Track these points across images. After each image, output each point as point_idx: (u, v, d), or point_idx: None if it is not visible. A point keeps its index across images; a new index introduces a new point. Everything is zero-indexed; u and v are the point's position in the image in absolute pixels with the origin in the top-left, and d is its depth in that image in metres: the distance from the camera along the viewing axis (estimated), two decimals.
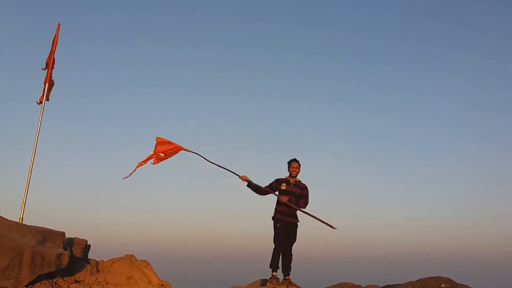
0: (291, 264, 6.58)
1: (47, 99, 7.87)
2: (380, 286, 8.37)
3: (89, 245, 7.90)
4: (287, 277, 6.51)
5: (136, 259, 7.96)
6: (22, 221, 7.20)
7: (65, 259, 6.64)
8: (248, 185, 6.63)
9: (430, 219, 26.28)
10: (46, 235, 6.94)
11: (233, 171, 6.63)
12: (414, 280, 8.20)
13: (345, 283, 8.19)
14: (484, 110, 31.87)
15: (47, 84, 7.90)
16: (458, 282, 8.02)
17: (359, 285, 8.24)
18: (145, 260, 8.02)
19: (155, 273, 7.86)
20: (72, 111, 28.21)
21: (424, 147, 31.26)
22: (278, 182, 6.71)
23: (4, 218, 6.94)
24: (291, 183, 6.70)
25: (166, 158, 7.03)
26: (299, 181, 6.76)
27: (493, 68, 31.62)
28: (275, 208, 6.68)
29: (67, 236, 7.37)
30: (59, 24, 8.07)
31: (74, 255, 7.29)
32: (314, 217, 6.27)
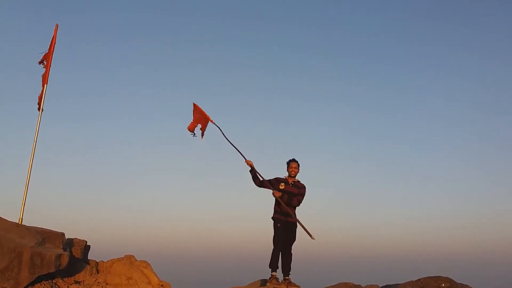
0: (291, 264, 6.58)
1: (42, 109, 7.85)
2: (380, 286, 8.37)
3: (89, 246, 7.89)
4: (287, 277, 6.51)
5: (136, 259, 7.95)
6: (21, 222, 7.19)
7: (65, 260, 6.63)
8: (250, 171, 6.73)
9: (429, 219, 26.34)
10: (46, 236, 6.94)
11: (242, 153, 6.78)
12: (414, 280, 8.21)
13: (345, 283, 8.19)
14: (484, 110, 31.92)
15: (45, 86, 7.90)
16: (458, 281, 8.02)
17: (359, 285, 8.24)
18: (145, 261, 8.02)
19: (155, 273, 7.86)
20: (72, 112, 28.28)
21: (424, 147, 31.35)
22: (278, 180, 6.72)
23: (3, 218, 6.93)
24: (290, 183, 6.71)
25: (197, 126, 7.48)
26: (298, 181, 6.77)
27: (493, 68, 31.66)
28: (274, 208, 6.68)
29: (66, 237, 7.36)
30: (57, 25, 8.07)
31: (74, 256, 7.28)
32: (298, 221, 6.42)
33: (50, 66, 7.99)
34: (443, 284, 7.83)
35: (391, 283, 8.59)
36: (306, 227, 6.30)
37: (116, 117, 31.15)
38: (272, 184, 6.68)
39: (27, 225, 7.13)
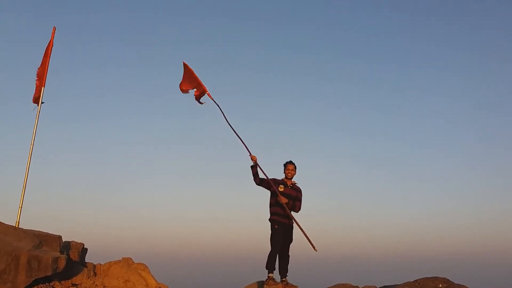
0: (288, 266, 6.59)
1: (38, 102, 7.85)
2: (378, 287, 8.37)
3: (86, 249, 7.88)
4: (284, 279, 6.51)
5: (134, 262, 7.95)
6: (18, 225, 7.17)
7: (62, 263, 6.62)
8: (252, 166, 6.60)
9: (427, 219, 26.40)
10: (43, 239, 6.92)
11: (247, 146, 6.68)
12: (411, 281, 8.21)
13: (343, 284, 8.18)
14: (484, 109, 32.04)
15: (43, 88, 7.89)
16: (455, 282, 8.03)
17: (357, 286, 8.23)
18: (143, 263, 8.02)
19: (152, 276, 7.85)
20: (69, 113, 28.23)
21: (424, 147, 31.40)
22: (276, 182, 6.70)
23: (0, 222, 6.92)
24: (288, 185, 6.71)
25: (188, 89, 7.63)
26: (295, 183, 6.78)
27: (493, 68, 31.80)
28: (272, 210, 6.65)
29: (63, 240, 7.35)
30: (54, 28, 8.07)
31: (71, 259, 7.27)
32: (303, 231, 6.34)
33: (48, 68, 7.98)
34: (441, 285, 7.84)
35: (388, 284, 8.59)
36: (309, 237, 6.27)
37: (114, 118, 31.16)
38: (270, 184, 6.65)
39: (24, 228, 7.11)
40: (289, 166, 6.75)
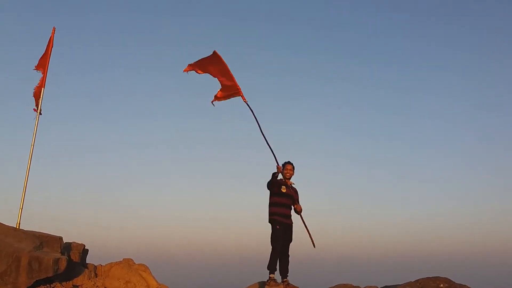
0: (288, 266, 6.59)
1: (40, 113, 7.85)
2: (379, 287, 8.37)
3: (87, 250, 7.88)
4: (285, 279, 6.50)
5: (134, 263, 7.95)
6: (19, 226, 7.18)
7: (63, 264, 6.62)
8: (274, 173, 6.61)
9: (427, 219, 26.35)
10: (44, 240, 6.92)
11: (275, 155, 6.64)
12: (412, 281, 8.21)
13: (344, 284, 8.17)
14: (484, 109, 32.02)
15: (42, 89, 7.89)
16: (456, 282, 8.03)
17: (358, 286, 8.23)
18: (143, 264, 8.02)
19: (153, 277, 7.85)
20: (70, 114, 28.24)
21: (424, 147, 31.39)
22: (278, 183, 6.70)
23: (1, 223, 6.92)
24: (289, 185, 6.71)
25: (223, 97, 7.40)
26: (293, 184, 6.79)
27: (493, 68, 31.79)
28: (272, 210, 6.62)
29: (64, 241, 7.35)
30: (54, 28, 8.08)
31: (72, 260, 7.27)
32: (306, 227, 6.49)
33: (48, 68, 7.99)
34: (442, 285, 7.83)
35: (389, 284, 8.58)
36: (311, 234, 6.38)
37: (114, 119, 31.09)
38: (277, 186, 6.65)
39: (25, 229, 7.12)
40: (288, 166, 6.74)
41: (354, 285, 8.20)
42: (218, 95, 7.45)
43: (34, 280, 6.33)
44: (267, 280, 6.50)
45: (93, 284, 7.15)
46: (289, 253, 6.60)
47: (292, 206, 6.67)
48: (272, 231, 6.57)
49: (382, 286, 8.42)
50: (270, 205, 6.63)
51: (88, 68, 30.67)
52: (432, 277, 8.20)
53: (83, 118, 29.30)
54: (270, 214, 6.61)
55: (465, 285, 8.01)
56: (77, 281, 7.11)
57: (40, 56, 8.11)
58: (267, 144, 6.72)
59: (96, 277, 7.51)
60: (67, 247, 7.46)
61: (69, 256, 7.20)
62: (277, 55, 33.12)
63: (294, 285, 6.48)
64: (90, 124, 29.74)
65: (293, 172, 6.76)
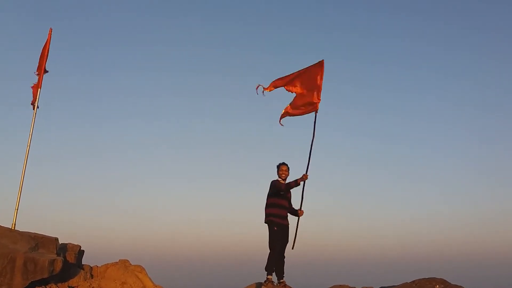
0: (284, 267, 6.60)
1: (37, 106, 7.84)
2: None
3: (83, 251, 7.85)
4: (282, 280, 6.50)
5: (131, 264, 7.93)
6: (14, 227, 7.15)
7: (58, 265, 6.59)
8: (297, 180, 6.51)
9: (423, 220, 26.41)
10: (39, 241, 6.89)
11: (309, 165, 6.52)
12: (408, 282, 8.25)
13: (340, 285, 8.19)
14: (484, 109, 32.16)
15: (39, 90, 7.88)
16: (452, 283, 8.07)
17: (355, 287, 8.25)
18: (140, 265, 8.00)
19: (149, 278, 7.84)
20: (66, 115, 28.16)
21: (424, 147, 31.49)
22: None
23: None
24: None
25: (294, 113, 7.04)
26: None
27: (493, 68, 31.93)
28: (270, 211, 6.62)
29: (60, 242, 7.32)
30: (51, 29, 8.06)
31: (68, 261, 7.24)
32: (296, 230, 6.52)
33: (44, 69, 7.97)
34: (438, 286, 7.88)
35: (386, 285, 8.62)
36: (296, 236, 6.46)
37: (110, 120, 31.08)
38: (281, 189, 6.65)
39: (20, 230, 7.08)
40: (283, 167, 6.74)
41: (351, 286, 8.22)
42: (289, 111, 7.10)
43: (30, 281, 6.30)
44: (264, 281, 6.50)
45: (89, 285, 7.12)
46: (285, 254, 6.61)
47: (294, 209, 6.67)
48: (270, 232, 6.57)
49: (379, 287, 8.45)
50: (268, 206, 6.63)
51: (85, 69, 30.63)
52: (428, 278, 8.25)
53: (78, 119, 29.23)
54: (268, 215, 6.61)
55: (460, 286, 8.06)
56: (73, 282, 7.08)
57: (38, 58, 8.10)
58: (309, 153, 6.57)
59: (92, 278, 7.48)
60: (63, 248, 7.43)
61: (64, 257, 7.17)
62: (277, 55, 33.20)
63: (290, 286, 6.48)
64: (85, 125, 29.68)
65: (288, 173, 6.77)
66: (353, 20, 34.50)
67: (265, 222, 6.64)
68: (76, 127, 28.98)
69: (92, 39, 31.16)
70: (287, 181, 6.73)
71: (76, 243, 7.73)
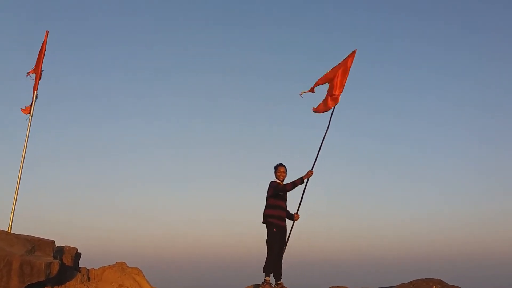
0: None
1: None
2: None
3: (80, 253, 7.83)
4: (279, 282, 6.50)
5: (128, 266, 7.92)
6: (10, 230, 7.13)
7: (55, 268, 6.57)
8: (302, 177, 6.50)
9: (428, 219, 26.43)
10: (36, 244, 6.87)
11: (315, 162, 6.57)
12: (406, 282, 8.25)
13: (338, 286, 8.19)
14: (484, 110, 32.26)
15: (35, 92, 7.87)
16: (449, 283, 8.09)
17: None
18: (137, 268, 7.99)
19: (147, 280, 7.82)
20: (60, 118, 28.10)
21: (423, 147, 31.56)
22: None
23: None
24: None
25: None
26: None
27: (493, 68, 32.05)
28: (269, 212, 6.60)
29: (57, 245, 7.30)
30: (47, 32, 8.06)
31: (64, 264, 7.22)
32: (289, 234, 6.59)
33: (41, 72, 7.96)
34: (435, 286, 7.88)
35: (383, 286, 8.62)
36: (288, 238, 6.53)
37: (107, 122, 31.07)
38: (286, 188, 6.65)
39: (17, 233, 7.06)
40: (281, 169, 6.74)
41: (348, 287, 8.23)
42: (320, 109, 7.22)
43: (26, 284, 6.27)
44: (262, 283, 6.49)
45: None
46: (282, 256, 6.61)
47: (290, 213, 6.68)
48: (268, 234, 6.56)
49: None
50: (268, 207, 6.61)
51: (83, 70, 30.61)
52: (425, 278, 8.25)
53: (75, 121, 29.19)
54: (266, 216, 6.59)
55: (457, 287, 8.07)
56: (70, 285, 7.06)
57: (35, 60, 8.10)
58: (318, 150, 6.64)
59: (89, 280, 7.46)
60: (60, 251, 7.41)
61: (61, 260, 7.15)
62: (277, 55, 33.24)
63: None
64: (81, 127, 29.65)
65: (286, 174, 6.77)
66: (353, 20, 34.59)
67: (264, 223, 6.64)
68: (75, 127, 28.97)
69: (92, 39, 31.18)
70: (284, 182, 6.73)
71: (73, 246, 7.71)
